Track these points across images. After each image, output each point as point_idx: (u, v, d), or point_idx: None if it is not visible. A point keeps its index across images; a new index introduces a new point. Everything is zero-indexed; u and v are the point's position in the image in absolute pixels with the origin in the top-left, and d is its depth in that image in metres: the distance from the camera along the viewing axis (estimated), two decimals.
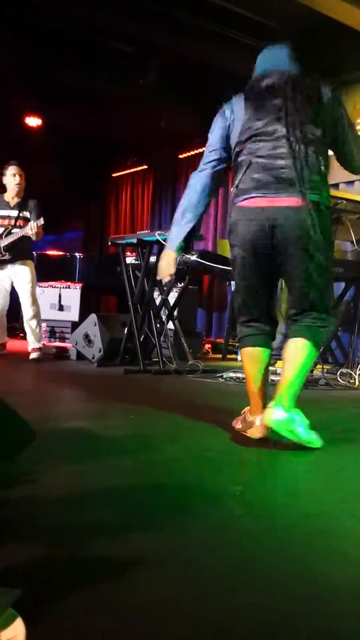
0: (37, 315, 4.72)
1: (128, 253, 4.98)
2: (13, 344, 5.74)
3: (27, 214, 4.75)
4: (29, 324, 4.70)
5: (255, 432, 2.16)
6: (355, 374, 3.95)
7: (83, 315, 5.70)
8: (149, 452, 1.96)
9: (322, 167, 2.03)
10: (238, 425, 2.27)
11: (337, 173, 2.43)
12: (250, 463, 1.90)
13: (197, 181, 2.26)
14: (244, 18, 5.24)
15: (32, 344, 4.67)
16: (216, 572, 1.09)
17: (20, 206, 4.77)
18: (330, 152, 2.15)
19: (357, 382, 3.90)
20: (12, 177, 4.78)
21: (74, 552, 1.14)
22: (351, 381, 3.94)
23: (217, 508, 1.44)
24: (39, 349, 4.67)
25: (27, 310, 4.70)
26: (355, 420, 2.74)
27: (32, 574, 1.04)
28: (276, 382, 3.74)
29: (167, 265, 2.24)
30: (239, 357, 5.58)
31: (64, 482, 1.59)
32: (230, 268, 4.23)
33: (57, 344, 5.54)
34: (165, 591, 1.00)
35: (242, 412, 2.30)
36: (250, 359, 2.18)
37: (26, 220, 4.71)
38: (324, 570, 1.12)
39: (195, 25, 5.32)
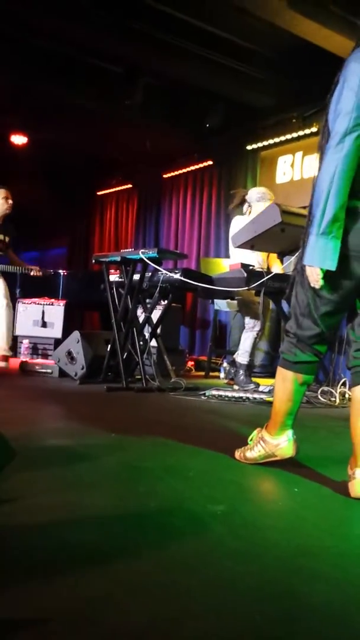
0: (9, 317, 4.82)
1: (112, 271, 5.00)
2: None
3: (6, 237, 5.03)
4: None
5: (288, 451, 2.00)
6: (336, 392, 3.98)
7: (66, 332, 5.68)
8: (129, 471, 1.96)
9: None
10: (253, 454, 2.07)
11: None
12: (231, 482, 1.90)
13: (344, 164, 1.65)
14: (229, 42, 5.36)
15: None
16: (195, 593, 1.09)
17: (0, 228, 5.01)
18: None
19: (337, 400, 3.93)
20: (3, 200, 4.97)
21: (52, 574, 1.13)
22: (332, 399, 3.97)
23: (197, 528, 1.44)
24: (5, 358, 4.73)
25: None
26: (335, 438, 2.76)
27: (10, 597, 1.03)
28: (263, 400, 3.78)
29: (317, 281, 1.76)
30: (221, 375, 5.60)
31: (44, 502, 1.58)
32: (211, 286, 4.29)
33: (39, 360, 5.50)
34: (145, 613, 1.00)
35: (251, 438, 2.10)
36: (297, 385, 1.95)
37: (2, 242, 5.01)
38: (302, 590, 1.12)
39: (182, 47, 5.42)
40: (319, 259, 1.71)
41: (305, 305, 1.86)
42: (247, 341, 4.59)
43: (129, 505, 1.59)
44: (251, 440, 2.11)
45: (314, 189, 1.75)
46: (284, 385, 1.97)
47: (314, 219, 1.70)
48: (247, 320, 4.63)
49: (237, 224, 4.60)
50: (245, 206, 4.76)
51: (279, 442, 2.01)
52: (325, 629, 0.99)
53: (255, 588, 1.12)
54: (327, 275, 1.74)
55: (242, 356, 4.60)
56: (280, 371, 1.98)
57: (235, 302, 4.91)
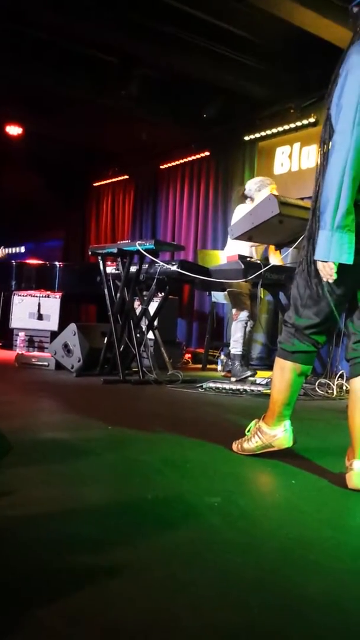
0: None
1: (109, 262, 4.98)
2: None
3: None
4: None
5: (286, 441, 2.00)
6: (334, 384, 3.99)
7: (63, 324, 5.66)
8: (127, 464, 1.96)
9: None
10: (250, 445, 2.07)
11: None
12: (228, 474, 1.90)
13: (353, 157, 1.64)
14: (226, 32, 5.31)
15: None
16: (192, 584, 1.08)
17: None
18: None
19: (335, 393, 3.93)
20: None
21: (50, 566, 1.13)
22: (329, 391, 3.97)
23: (194, 520, 1.43)
24: None
25: None
26: (332, 430, 2.76)
27: (9, 587, 1.03)
28: (260, 392, 3.78)
29: (331, 276, 1.74)
30: (218, 367, 5.59)
31: (40, 495, 1.57)
32: (209, 278, 4.28)
33: (36, 353, 5.49)
34: (142, 605, 0.99)
35: (249, 429, 2.10)
36: (295, 375, 1.96)
37: None
38: (299, 581, 1.12)
39: (178, 38, 5.37)
40: (335, 253, 1.69)
41: (307, 297, 1.86)
42: (237, 332, 4.60)
43: (125, 497, 1.59)
44: (248, 431, 2.11)
45: (319, 184, 1.74)
46: (282, 375, 1.97)
47: (324, 214, 1.69)
48: (234, 311, 4.64)
49: (240, 212, 4.58)
50: (248, 201, 4.73)
51: (276, 433, 2.01)
52: (322, 619, 0.99)
53: (252, 579, 1.12)
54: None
55: (234, 347, 4.60)
56: (279, 361, 1.99)
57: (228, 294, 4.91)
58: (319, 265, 1.75)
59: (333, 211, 1.66)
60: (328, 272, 1.73)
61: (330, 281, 1.75)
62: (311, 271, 1.81)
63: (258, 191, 4.62)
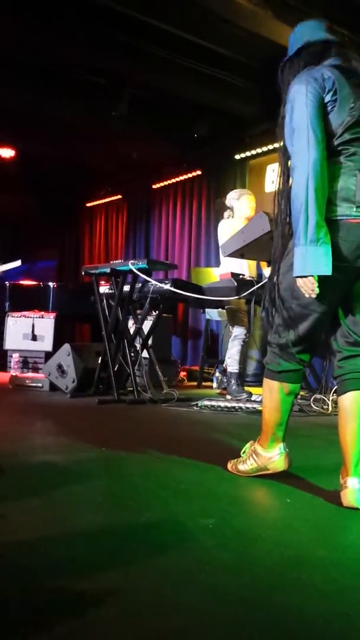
0: None
1: (102, 282, 4.98)
2: None
3: None
4: None
5: (281, 464, 1.99)
6: (329, 400, 3.97)
7: (57, 345, 5.65)
8: (120, 485, 1.94)
9: None
10: (245, 467, 2.05)
11: None
12: (223, 494, 1.88)
13: (314, 172, 1.69)
14: (214, 52, 5.40)
15: None
16: (186, 606, 1.07)
17: None
18: None
19: (330, 408, 3.92)
20: None
21: (41, 590, 1.11)
22: (324, 407, 3.96)
23: (188, 541, 1.42)
24: None
25: None
26: (328, 446, 2.74)
27: (1, 612, 1.01)
28: (255, 410, 3.76)
29: (312, 290, 1.73)
30: (214, 385, 5.57)
31: (33, 518, 1.55)
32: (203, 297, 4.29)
33: (30, 374, 5.46)
34: (136, 629, 0.98)
35: (244, 451, 2.09)
36: (284, 395, 1.95)
37: None
38: (294, 601, 1.11)
39: (166, 58, 5.45)
40: (312, 266, 1.69)
41: (287, 317, 1.87)
42: (234, 349, 4.59)
43: (118, 519, 1.57)
44: (244, 453, 2.09)
45: (278, 204, 1.87)
46: (270, 395, 1.97)
47: (296, 231, 1.72)
48: (235, 329, 4.64)
49: (223, 227, 4.68)
50: (227, 212, 4.84)
51: (272, 456, 1.99)
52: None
53: (247, 600, 1.11)
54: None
55: (231, 365, 4.59)
56: (266, 382, 1.98)
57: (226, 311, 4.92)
58: (299, 282, 1.75)
59: (304, 226, 1.69)
60: (309, 287, 1.73)
61: (313, 296, 1.75)
62: (286, 291, 1.85)
63: (237, 200, 4.79)
